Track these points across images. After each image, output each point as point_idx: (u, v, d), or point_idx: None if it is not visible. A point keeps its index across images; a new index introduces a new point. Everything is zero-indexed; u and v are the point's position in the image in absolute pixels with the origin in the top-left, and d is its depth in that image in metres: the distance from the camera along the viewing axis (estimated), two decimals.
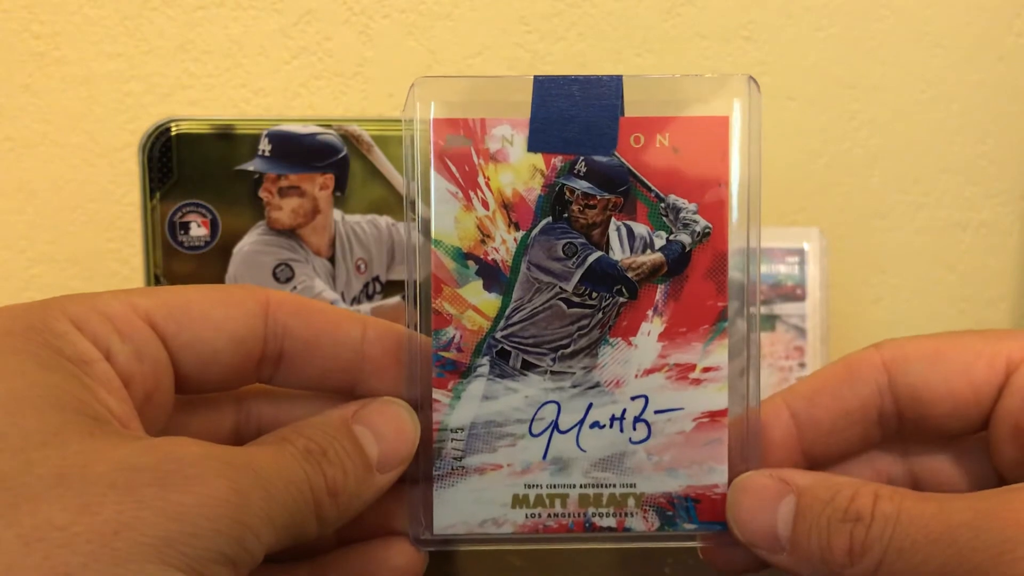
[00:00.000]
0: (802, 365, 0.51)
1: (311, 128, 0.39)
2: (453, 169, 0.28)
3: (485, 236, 0.28)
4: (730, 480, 0.29)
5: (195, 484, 0.21)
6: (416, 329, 0.28)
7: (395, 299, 0.41)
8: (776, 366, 0.51)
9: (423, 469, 0.28)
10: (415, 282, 0.28)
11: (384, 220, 0.41)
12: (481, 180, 0.28)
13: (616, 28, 0.58)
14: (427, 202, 0.28)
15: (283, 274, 0.39)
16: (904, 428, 0.29)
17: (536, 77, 0.28)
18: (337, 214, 0.40)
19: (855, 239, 0.62)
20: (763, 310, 0.52)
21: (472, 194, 0.28)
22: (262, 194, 0.38)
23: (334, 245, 0.40)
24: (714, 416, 0.29)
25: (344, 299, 0.41)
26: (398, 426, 0.27)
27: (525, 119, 0.28)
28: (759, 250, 0.28)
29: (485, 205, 0.28)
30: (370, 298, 0.41)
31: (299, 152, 0.39)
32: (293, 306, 0.27)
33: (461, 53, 0.57)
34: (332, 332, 0.28)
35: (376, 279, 0.41)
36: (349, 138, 0.39)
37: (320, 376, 0.28)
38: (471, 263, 0.28)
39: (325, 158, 0.39)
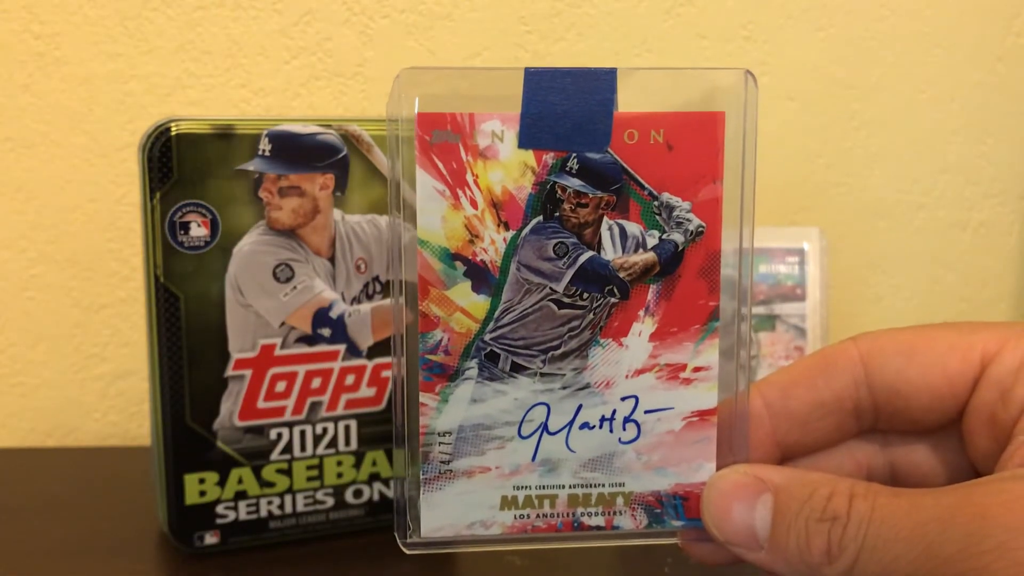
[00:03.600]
0: None
1: (311, 128, 0.39)
2: (440, 166, 0.27)
3: (473, 236, 0.27)
4: None
5: None
6: (403, 332, 0.28)
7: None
8: (776, 366, 0.51)
9: (410, 473, 0.28)
10: (401, 282, 0.27)
11: (384, 220, 0.41)
12: (469, 178, 0.27)
13: (616, 28, 0.58)
14: (412, 201, 0.27)
15: (283, 274, 0.39)
16: (880, 420, 0.30)
17: (527, 69, 0.27)
18: (337, 214, 0.40)
19: (855, 239, 0.62)
20: (763, 310, 0.52)
21: (460, 192, 0.27)
22: (262, 194, 0.38)
23: (334, 245, 0.40)
24: (703, 415, 0.28)
25: (344, 299, 0.41)
26: None
27: (515, 114, 0.27)
28: (752, 249, 0.28)
29: (474, 204, 0.27)
30: (370, 298, 0.41)
31: (299, 152, 0.39)
32: None
33: (461, 53, 0.57)
34: None
35: (376, 279, 0.41)
36: (349, 138, 0.39)
37: None
38: (459, 264, 0.27)
39: (325, 158, 0.39)
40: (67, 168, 0.55)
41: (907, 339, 0.29)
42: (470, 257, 0.27)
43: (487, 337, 0.28)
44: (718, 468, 0.28)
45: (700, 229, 0.28)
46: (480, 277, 0.27)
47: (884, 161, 0.62)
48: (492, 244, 0.27)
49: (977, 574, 0.22)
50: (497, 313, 0.28)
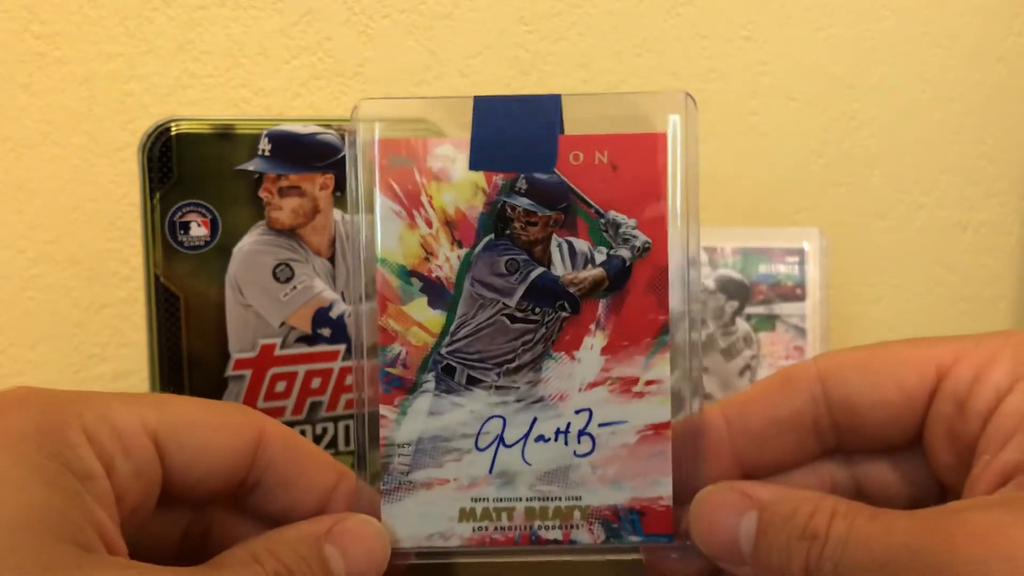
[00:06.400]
0: None
1: (311, 128, 0.39)
2: (397, 189, 0.28)
3: (429, 254, 0.29)
4: (675, 493, 0.29)
5: None
6: (363, 353, 0.29)
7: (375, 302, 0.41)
8: (776, 366, 0.51)
9: (370, 484, 0.29)
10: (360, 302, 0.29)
11: None
12: (424, 199, 0.28)
13: (616, 28, 0.58)
14: (372, 221, 0.29)
15: (283, 274, 0.39)
16: (843, 439, 0.30)
17: (476, 97, 0.28)
18: (337, 214, 0.40)
19: (855, 239, 0.62)
20: (763, 310, 0.52)
21: (415, 212, 0.29)
22: (262, 194, 0.38)
23: (334, 245, 0.40)
24: (657, 429, 0.29)
25: (344, 299, 0.41)
26: (369, 550, 0.27)
27: (467, 139, 0.28)
28: (699, 266, 0.29)
29: (428, 223, 0.29)
30: (369, 298, 0.41)
31: (299, 152, 0.39)
32: (283, 442, 0.28)
33: (461, 53, 0.57)
34: (310, 476, 0.28)
35: None
36: None
37: (283, 511, 0.28)
38: (415, 280, 0.29)
39: (325, 158, 0.39)
40: (67, 168, 0.55)
41: (864, 356, 0.29)
42: (426, 274, 0.29)
43: (443, 351, 0.29)
44: (674, 483, 0.29)
45: (646, 245, 0.28)
46: (436, 293, 0.29)
47: (884, 161, 0.62)
48: (447, 261, 0.29)
49: None
50: (453, 327, 0.29)
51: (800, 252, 0.52)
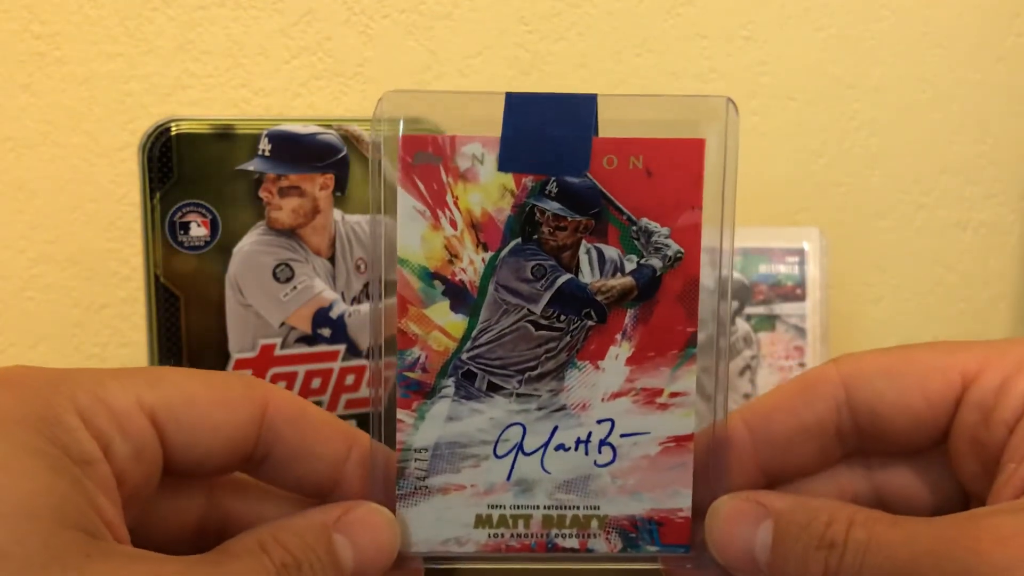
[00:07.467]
0: (802, 365, 0.51)
1: (311, 128, 0.39)
2: (421, 187, 0.27)
3: (452, 256, 0.28)
4: (694, 504, 0.28)
5: None
6: (380, 352, 0.28)
7: (395, 299, 0.41)
8: (776, 366, 0.51)
9: (386, 488, 0.28)
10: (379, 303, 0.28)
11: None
12: (449, 199, 0.27)
13: (616, 28, 0.58)
14: (393, 220, 0.27)
15: (283, 274, 0.39)
16: (865, 444, 0.29)
17: (508, 94, 0.27)
18: (337, 214, 0.40)
19: (855, 239, 0.62)
20: (763, 310, 0.52)
21: (440, 213, 0.27)
22: (262, 194, 0.38)
23: (334, 245, 0.40)
24: (680, 441, 0.28)
25: (344, 299, 0.41)
26: (378, 540, 0.27)
27: (496, 137, 0.27)
28: (731, 275, 0.28)
29: (453, 225, 0.27)
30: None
31: (299, 152, 0.39)
32: (289, 412, 0.27)
33: (461, 53, 0.57)
34: (320, 446, 0.28)
35: None
36: (349, 138, 0.39)
37: (296, 482, 0.28)
38: (438, 283, 0.28)
39: (325, 158, 0.39)
40: (67, 168, 0.55)
41: (888, 360, 0.29)
42: (449, 277, 0.28)
43: (464, 356, 0.28)
44: (694, 495, 0.28)
45: (678, 255, 0.28)
46: (458, 297, 0.28)
47: (884, 161, 0.62)
48: (471, 264, 0.28)
49: None
50: (475, 333, 0.28)
51: (800, 252, 0.52)
